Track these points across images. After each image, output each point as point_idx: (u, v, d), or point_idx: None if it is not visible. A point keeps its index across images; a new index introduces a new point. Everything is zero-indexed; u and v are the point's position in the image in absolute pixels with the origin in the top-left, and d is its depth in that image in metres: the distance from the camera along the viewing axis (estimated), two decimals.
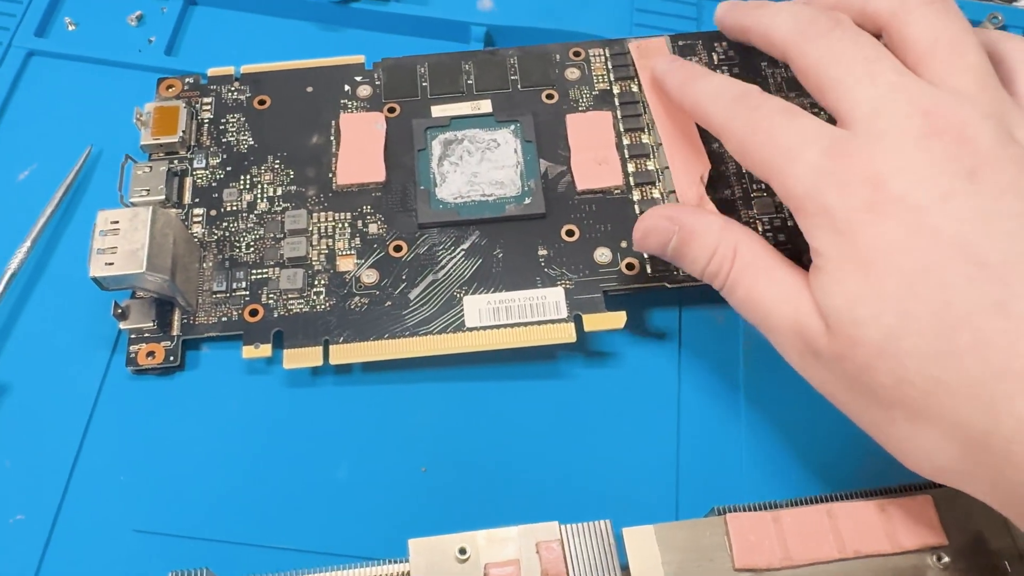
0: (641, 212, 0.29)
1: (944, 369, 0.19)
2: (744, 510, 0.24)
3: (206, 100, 0.31)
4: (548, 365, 0.28)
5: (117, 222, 0.26)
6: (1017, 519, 0.20)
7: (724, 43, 0.32)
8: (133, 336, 0.28)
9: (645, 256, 0.28)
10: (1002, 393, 0.18)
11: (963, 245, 0.19)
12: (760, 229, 0.29)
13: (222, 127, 0.31)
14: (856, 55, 0.22)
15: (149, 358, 0.27)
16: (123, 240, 0.26)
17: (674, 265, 0.28)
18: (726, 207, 0.29)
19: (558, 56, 0.32)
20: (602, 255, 0.28)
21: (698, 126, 0.29)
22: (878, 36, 0.23)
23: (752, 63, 0.32)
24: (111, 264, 0.25)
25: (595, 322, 0.27)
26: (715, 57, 0.32)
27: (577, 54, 0.32)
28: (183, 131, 0.30)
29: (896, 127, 0.21)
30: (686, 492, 0.27)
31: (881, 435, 0.22)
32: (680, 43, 0.32)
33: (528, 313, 0.27)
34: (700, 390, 0.28)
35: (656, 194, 0.29)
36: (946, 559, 0.23)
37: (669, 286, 0.28)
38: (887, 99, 0.21)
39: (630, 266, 0.28)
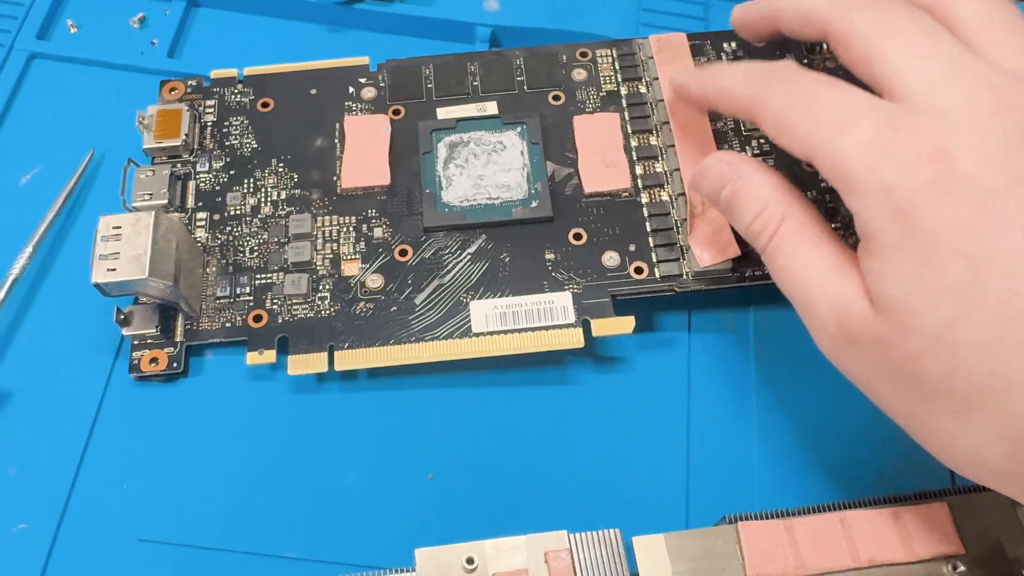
0: (650, 215, 0.29)
1: (1002, 363, 0.18)
2: (756, 518, 0.24)
3: (209, 103, 0.31)
4: (556, 370, 0.28)
5: (119, 227, 0.26)
6: None
7: (733, 43, 0.32)
8: (136, 342, 0.27)
9: (655, 259, 0.28)
10: None
11: None
12: None
13: (225, 130, 0.31)
14: (914, 27, 0.21)
15: (152, 364, 0.27)
16: (125, 245, 0.25)
17: (689, 267, 0.27)
18: None
19: (565, 57, 0.32)
20: (610, 259, 0.28)
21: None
22: None
23: None
24: (113, 270, 0.25)
25: (603, 327, 0.27)
26: (724, 57, 0.31)
27: (584, 55, 0.32)
28: (186, 134, 0.30)
29: (963, 102, 0.19)
30: (697, 500, 0.26)
31: (918, 428, 0.20)
32: (691, 43, 0.32)
33: (535, 318, 0.27)
34: (711, 396, 0.28)
35: (665, 196, 0.29)
36: (962, 568, 0.23)
37: (678, 290, 0.27)
38: (951, 73, 0.20)
39: (639, 270, 0.28)
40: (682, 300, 0.29)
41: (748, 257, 0.27)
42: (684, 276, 0.28)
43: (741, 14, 0.26)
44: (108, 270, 0.25)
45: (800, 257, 0.22)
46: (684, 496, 0.26)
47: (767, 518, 0.23)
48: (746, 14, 0.26)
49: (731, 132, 0.30)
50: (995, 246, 0.18)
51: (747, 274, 0.27)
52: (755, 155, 0.29)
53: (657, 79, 0.30)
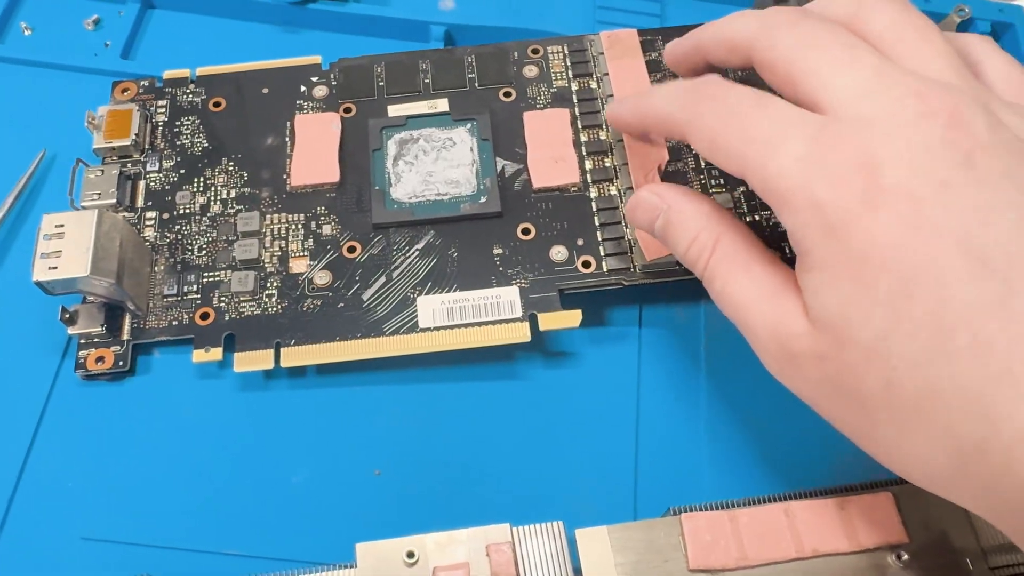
0: (598, 210, 0.29)
1: (937, 373, 0.18)
2: (702, 510, 0.23)
3: (161, 103, 0.31)
4: (506, 366, 0.28)
5: (62, 225, 0.26)
6: (1011, 531, 0.19)
7: None
8: (82, 341, 0.27)
9: (602, 253, 0.28)
10: (1002, 398, 0.17)
11: (963, 240, 0.18)
12: None
13: (176, 130, 0.31)
14: (833, 40, 0.21)
15: (99, 363, 0.27)
16: (68, 243, 0.25)
17: (636, 261, 0.27)
18: None
19: (516, 54, 0.32)
20: (558, 253, 0.28)
21: None
22: None
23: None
24: (55, 268, 0.25)
25: (550, 321, 0.27)
26: None
27: (535, 51, 0.32)
28: (136, 134, 0.30)
29: (887, 110, 0.19)
30: (644, 493, 0.26)
31: (865, 441, 0.21)
32: (642, 38, 0.32)
33: (482, 313, 0.27)
34: (660, 389, 0.28)
35: (613, 191, 0.29)
36: (906, 557, 0.23)
37: (625, 283, 0.27)
38: (874, 82, 0.20)
39: (586, 264, 0.28)
40: (634, 295, 0.29)
41: None
42: (632, 270, 0.28)
43: (671, 51, 0.26)
44: (49, 268, 0.25)
45: (734, 281, 0.22)
46: (632, 489, 0.26)
47: (713, 510, 0.23)
48: (675, 50, 0.26)
49: None
50: (923, 258, 0.18)
51: None
52: None
53: (607, 75, 0.30)
